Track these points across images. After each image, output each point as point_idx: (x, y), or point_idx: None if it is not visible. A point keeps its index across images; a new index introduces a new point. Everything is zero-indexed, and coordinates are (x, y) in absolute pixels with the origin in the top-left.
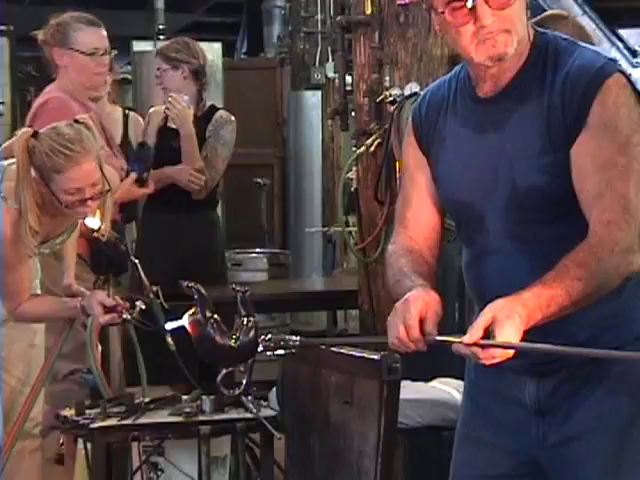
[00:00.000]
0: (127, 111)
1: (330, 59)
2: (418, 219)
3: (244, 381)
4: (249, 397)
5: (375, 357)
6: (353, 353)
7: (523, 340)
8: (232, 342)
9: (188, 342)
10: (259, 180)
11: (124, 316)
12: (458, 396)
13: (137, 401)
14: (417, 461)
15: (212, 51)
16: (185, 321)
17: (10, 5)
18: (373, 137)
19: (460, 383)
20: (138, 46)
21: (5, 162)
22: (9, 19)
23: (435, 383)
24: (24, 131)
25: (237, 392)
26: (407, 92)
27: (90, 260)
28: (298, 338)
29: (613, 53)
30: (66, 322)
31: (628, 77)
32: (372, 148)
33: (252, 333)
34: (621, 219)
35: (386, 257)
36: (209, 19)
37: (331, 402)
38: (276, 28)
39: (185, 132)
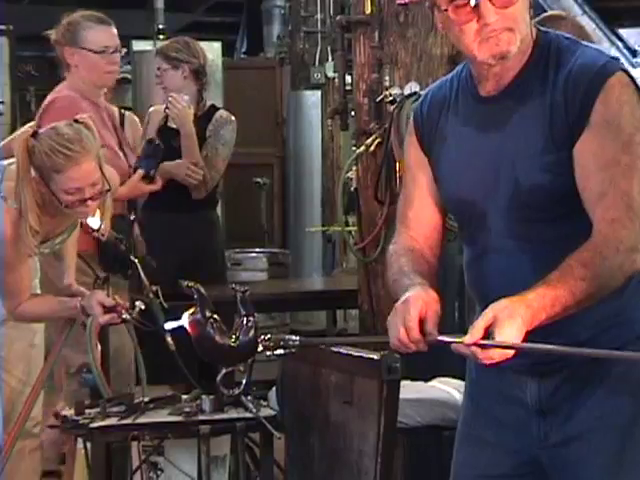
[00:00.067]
0: (123, 111)
1: (330, 59)
2: (419, 219)
3: (244, 381)
4: (249, 397)
5: (375, 357)
6: (353, 353)
7: (524, 340)
8: (232, 342)
9: (188, 342)
10: (259, 180)
11: (124, 316)
12: (458, 396)
13: (137, 401)
14: (417, 461)
15: (212, 51)
16: (185, 321)
17: (10, 5)
18: (373, 137)
19: (460, 383)
20: (138, 46)
21: (5, 162)
22: (9, 19)
23: (435, 383)
24: (24, 131)
25: (237, 392)
26: (407, 92)
27: (100, 259)
28: (298, 338)
29: (613, 53)
30: (66, 322)
31: (630, 75)
32: (372, 148)
33: (252, 333)
34: (625, 217)
35: (387, 257)
36: (209, 19)
37: (331, 402)
38: (276, 28)
39: (185, 132)
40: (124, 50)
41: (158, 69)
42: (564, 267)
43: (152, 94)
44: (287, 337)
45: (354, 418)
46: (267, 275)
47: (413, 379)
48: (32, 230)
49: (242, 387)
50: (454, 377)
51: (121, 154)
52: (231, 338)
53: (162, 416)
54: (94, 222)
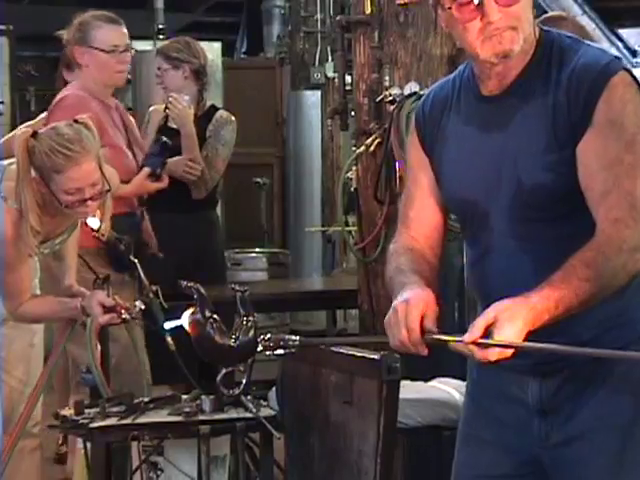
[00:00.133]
0: None
1: (330, 59)
2: (420, 219)
3: (244, 381)
4: (249, 397)
5: (375, 357)
6: (353, 353)
7: (524, 341)
8: (232, 342)
9: (188, 342)
10: (259, 180)
11: (123, 316)
12: (458, 396)
13: (136, 401)
14: (416, 461)
15: (212, 51)
16: (184, 321)
17: (10, 5)
18: (373, 137)
19: (460, 383)
20: (138, 46)
21: (5, 162)
22: (9, 19)
23: (435, 383)
24: (24, 131)
25: (237, 392)
26: (407, 92)
27: (110, 259)
28: (298, 338)
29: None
30: (67, 323)
31: (633, 75)
32: (372, 148)
33: (251, 333)
34: (628, 217)
35: (387, 256)
36: (209, 19)
37: (331, 402)
38: (276, 28)
39: (186, 132)
40: (133, 50)
41: (159, 69)
42: (567, 267)
43: (152, 94)
44: (287, 337)
45: (354, 418)
46: (267, 275)
47: (413, 379)
48: (33, 230)
49: (242, 387)
50: (454, 377)
51: (130, 153)
52: (231, 338)
53: (162, 416)
54: (94, 222)
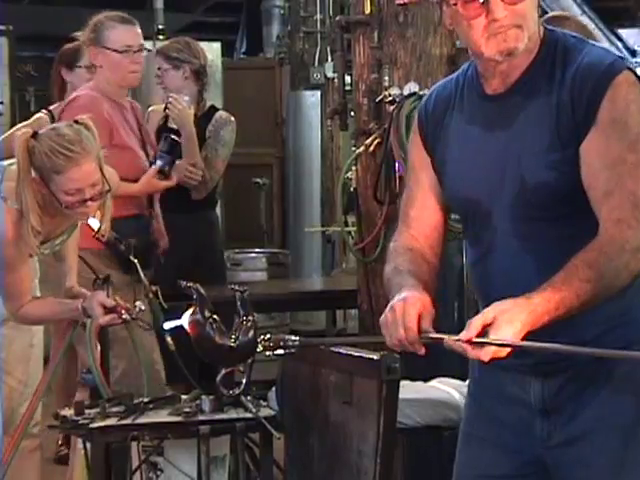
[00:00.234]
0: None
1: (329, 59)
2: (421, 218)
3: (243, 381)
4: (248, 397)
5: (374, 357)
6: (352, 353)
7: (525, 338)
8: (231, 342)
9: (188, 342)
10: (258, 180)
11: (124, 317)
12: (457, 396)
13: (136, 401)
14: (416, 461)
15: (211, 51)
16: (184, 321)
17: (9, 5)
18: (372, 137)
19: (460, 383)
20: None
21: (5, 162)
22: (8, 19)
23: (434, 383)
24: (24, 131)
25: (236, 392)
26: (406, 92)
27: (118, 261)
28: (297, 338)
29: None
30: (68, 326)
31: (637, 74)
32: (371, 148)
33: (251, 333)
34: (631, 217)
35: (387, 255)
36: (208, 19)
37: (330, 402)
38: (275, 28)
39: (186, 133)
40: (145, 51)
41: (159, 69)
42: (569, 268)
43: (152, 94)
44: (287, 337)
45: (354, 418)
46: (267, 275)
47: (413, 379)
48: (34, 230)
49: (242, 387)
50: (454, 377)
51: (142, 154)
52: (231, 338)
53: (162, 416)
54: (94, 223)
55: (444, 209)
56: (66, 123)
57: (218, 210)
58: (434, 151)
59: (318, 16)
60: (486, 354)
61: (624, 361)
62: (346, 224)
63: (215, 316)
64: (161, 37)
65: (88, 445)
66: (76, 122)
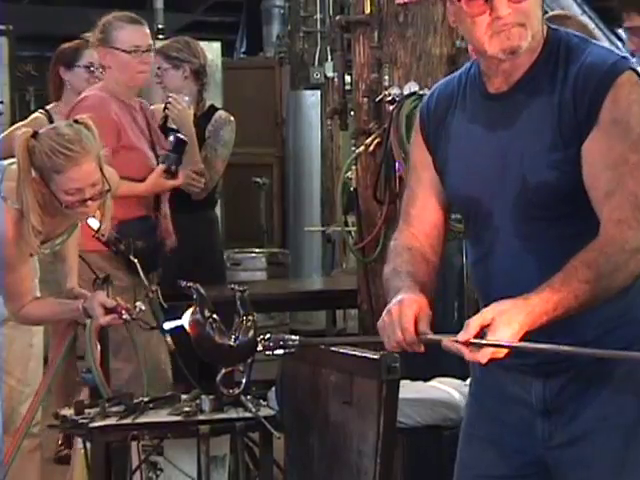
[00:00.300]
0: None
1: (329, 58)
2: (422, 217)
3: (243, 380)
4: (248, 396)
5: (374, 357)
6: (352, 353)
7: (524, 338)
8: (231, 342)
9: (188, 342)
10: (258, 180)
11: (124, 317)
12: (457, 396)
13: (136, 400)
14: (416, 461)
15: (211, 50)
16: (184, 320)
17: (9, 4)
18: (372, 137)
19: (460, 383)
20: None
21: (5, 162)
22: (8, 18)
23: (434, 383)
24: (24, 131)
25: (236, 392)
26: (406, 91)
27: (124, 261)
28: (297, 338)
29: None
30: (68, 327)
31: None
32: (371, 148)
33: (251, 333)
34: (631, 218)
35: (387, 254)
36: (208, 18)
37: (330, 402)
38: (275, 27)
39: (185, 133)
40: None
41: (158, 69)
42: (568, 268)
43: (151, 94)
44: (286, 337)
45: (353, 418)
46: (266, 275)
47: (412, 379)
48: (34, 230)
49: (242, 387)
50: (454, 377)
51: (151, 154)
52: (230, 338)
53: (162, 416)
54: (94, 223)
55: (445, 208)
56: (66, 123)
57: (218, 210)
58: (436, 150)
59: (318, 16)
60: (483, 356)
61: (625, 361)
62: (346, 224)
63: (215, 316)
64: (161, 37)
65: (88, 445)
66: (76, 122)
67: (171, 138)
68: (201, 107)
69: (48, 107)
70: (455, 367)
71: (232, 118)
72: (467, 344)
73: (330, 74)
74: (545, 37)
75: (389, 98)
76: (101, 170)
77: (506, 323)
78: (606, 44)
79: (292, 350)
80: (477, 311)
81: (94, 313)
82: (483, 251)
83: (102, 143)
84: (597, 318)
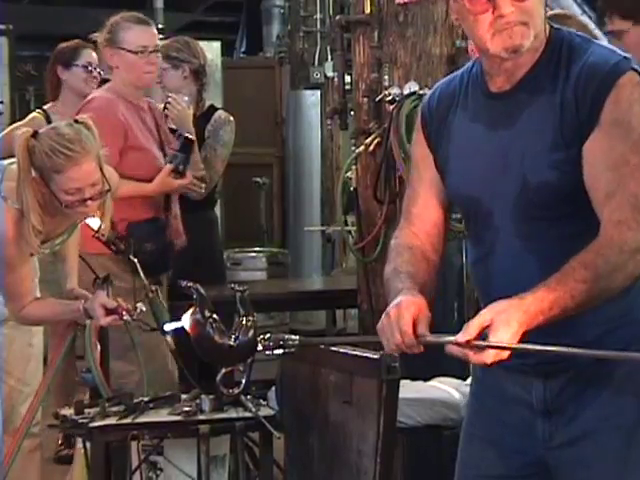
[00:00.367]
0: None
1: (329, 58)
2: (423, 216)
3: (243, 380)
4: (248, 396)
5: (374, 356)
6: (352, 352)
7: (523, 339)
8: (231, 341)
9: (188, 342)
10: (258, 179)
11: (125, 318)
12: (457, 395)
13: (136, 400)
14: (416, 460)
15: (211, 50)
16: (185, 322)
17: (9, 4)
18: (372, 136)
19: (460, 382)
20: None
21: (5, 162)
22: (8, 18)
23: (434, 382)
24: (24, 131)
25: (236, 391)
26: (406, 91)
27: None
28: (297, 337)
29: None
30: (67, 328)
31: None
32: (371, 147)
33: (251, 332)
34: (631, 219)
35: (388, 252)
36: (208, 18)
37: (330, 401)
38: (275, 27)
39: None
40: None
41: None
42: (566, 269)
43: (151, 93)
44: (286, 337)
45: (353, 418)
46: (266, 275)
47: (413, 379)
48: (35, 230)
49: (241, 387)
50: (454, 377)
51: (160, 154)
52: (230, 338)
53: (161, 416)
54: (94, 222)
55: (446, 207)
56: (66, 122)
57: (218, 210)
58: (437, 148)
59: (318, 15)
60: (488, 357)
61: (625, 362)
62: (346, 224)
63: (215, 316)
64: (161, 36)
65: (88, 444)
66: (76, 121)
67: (178, 138)
68: (200, 107)
69: (45, 107)
70: (455, 367)
71: (232, 118)
72: (471, 346)
73: (330, 74)
74: (548, 36)
75: (389, 98)
76: (101, 170)
77: (505, 322)
78: (605, 43)
79: (292, 350)
80: (477, 311)
81: (95, 314)
82: (483, 251)
83: (102, 143)
84: (598, 318)
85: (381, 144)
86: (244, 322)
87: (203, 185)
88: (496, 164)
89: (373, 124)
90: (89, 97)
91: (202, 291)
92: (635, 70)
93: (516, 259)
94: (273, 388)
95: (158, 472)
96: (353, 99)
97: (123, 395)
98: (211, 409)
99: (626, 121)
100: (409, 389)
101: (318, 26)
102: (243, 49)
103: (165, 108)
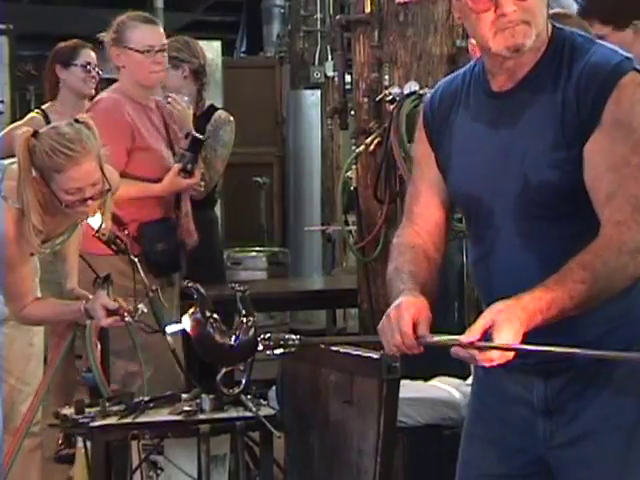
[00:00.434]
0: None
1: (329, 58)
2: (425, 215)
3: (243, 380)
4: (249, 396)
5: (375, 356)
6: (352, 352)
7: (522, 341)
8: (231, 341)
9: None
10: (258, 179)
11: (126, 319)
12: (458, 395)
13: (136, 400)
14: (416, 460)
15: (211, 50)
16: (186, 324)
17: (9, 4)
18: (372, 136)
19: (460, 382)
20: None
21: (6, 161)
22: (9, 18)
23: (435, 382)
24: (24, 130)
25: (237, 391)
26: (406, 91)
27: (145, 261)
28: (297, 337)
29: None
30: (67, 328)
31: None
32: (371, 147)
33: (251, 332)
34: (631, 219)
35: (390, 250)
36: (208, 18)
37: (330, 401)
38: (275, 27)
39: None
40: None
41: None
42: (565, 269)
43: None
44: (287, 336)
45: (354, 417)
46: (267, 274)
47: (413, 378)
48: (35, 229)
49: (242, 386)
50: (454, 376)
51: (168, 154)
52: (231, 338)
53: (162, 415)
54: (94, 222)
55: (448, 206)
56: (67, 122)
57: (218, 209)
58: (439, 147)
59: (318, 15)
60: (495, 356)
61: (626, 361)
62: (346, 223)
63: (215, 315)
64: None
65: (88, 444)
66: (77, 121)
67: (185, 136)
68: (200, 107)
69: (44, 107)
70: (455, 367)
71: (231, 118)
72: (476, 347)
73: (330, 73)
74: (550, 36)
75: (389, 97)
76: (101, 170)
77: (507, 320)
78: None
79: (292, 349)
80: (477, 311)
81: (96, 315)
82: (484, 250)
83: (109, 144)
84: (598, 318)
85: (381, 144)
86: (244, 322)
87: (202, 183)
88: (497, 163)
89: (373, 124)
90: (96, 98)
91: (202, 291)
92: (637, 70)
93: (517, 258)
94: (273, 388)
95: (158, 471)
96: (353, 99)
97: (123, 395)
98: (211, 409)
99: (627, 122)
100: (409, 389)
101: (318, 26)
102: (243, 49)
103: None
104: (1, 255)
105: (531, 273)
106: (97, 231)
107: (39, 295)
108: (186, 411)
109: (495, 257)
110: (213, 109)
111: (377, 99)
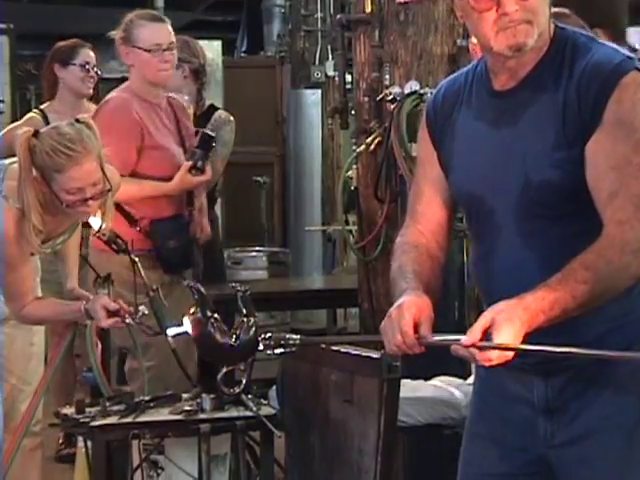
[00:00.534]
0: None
1: (330, 57)
2: (428, 214)
3: (244, 379)
4: (249, 395)
5: (375, 355)
6: (353, 351)
7: (523, 341)
8: (232, 341)
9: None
10: (259, 178)
11: (127, 320)
12: (458, 395)
13: (137, 399)
14: (417, 459)
15: (212, 49)
16: (188, 325)
17: (10, 3)
18: (373, 136)
19: (460, 381)
20: None
21: (6, 161)
22: (9, 17)
23: (435, 381)
24: (25, 130)
25: (237, 390)
26: (407, 90)
27: (158, 258)
28: (298, 336)
29: None
30: (66, 327)
31: None
32: (372, 147)
33: (252, 332)
34: (633, 219)
35: (393, 250)
36: (209, 17)
37: (331, 400)
38: (276, 26)
39: None
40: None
41: None
42: (567, 269)
43: None
44: (287, 336)
45: (354, 417)
46: (267, 274)
47: (413, 378)
48: (35, 229)
49: (242, 386)
50: (454, 376)
51: (179, 150)
52: (231, 337)
53: (162, 415)
54: (95, 222)
55: (450, 205)
56: (67, 122)
57: (219, 209)
58: (441, 146)
59: (319, 14)
60: (493, 356)
61: (628, 361)
62: (347, 223)
63: (216, 315)
64: None
65: (89, 443)
66: (77, 121)
67: (196, 133)
68: (200, 106)
69: (42, 106)
70: (456, 366)
71: (232, 118)
72: (477, 347)
73: (331, 73)
74: (552, 35)
75: (390, 97)
76: (102, 169)
77: (507, 320)
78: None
79: (293, 349)
80: (477, 311)
81: (96, 315)
82: (485, 249)
83: (112, 142)
84: (599, 318)
85: (382, 143)
86: (245, 321)
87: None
88: (498, 162)
89: (374, 123)
90: (105, 98)
91: (203, 290)
92: (639, 70)
93: (518, 257)
94: (274, 387)
95: (159, 471)
96: (354, 98)
97: (124, 394)
98: (212, 408)
99: (629, 121)
100: (410, 388)
101: (319, 25)
102: (244, 48)
103: None
104: (1, 255)
105: (532, 273)
106: (98, 231)
107: (40, 295)
108: (187, 411)
109: (496, 256)
110: (213, 109)
111: (378, 99)
